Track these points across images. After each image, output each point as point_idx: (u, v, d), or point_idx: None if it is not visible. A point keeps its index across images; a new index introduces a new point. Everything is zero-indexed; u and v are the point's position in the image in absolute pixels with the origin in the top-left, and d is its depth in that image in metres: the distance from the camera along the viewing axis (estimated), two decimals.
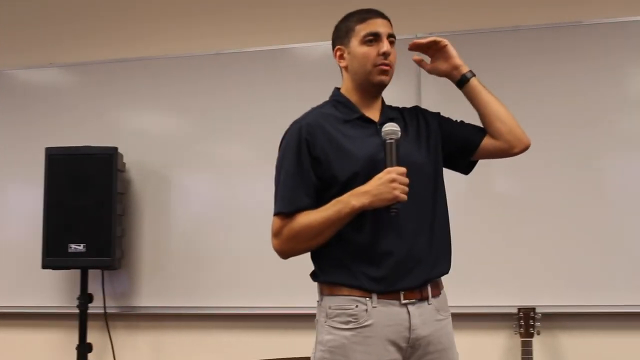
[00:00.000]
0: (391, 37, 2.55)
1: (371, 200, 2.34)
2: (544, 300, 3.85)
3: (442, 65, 2.63)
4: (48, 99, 4.64)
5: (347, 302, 2.41)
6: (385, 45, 2.50)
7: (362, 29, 2.52)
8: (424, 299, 2.44)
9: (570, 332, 3.93)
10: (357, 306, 2.40)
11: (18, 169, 4.61)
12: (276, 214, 2.47)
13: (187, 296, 4.31)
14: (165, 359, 4.41)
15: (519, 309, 3.80)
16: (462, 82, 2.61)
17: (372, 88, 2.54)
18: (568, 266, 3.88)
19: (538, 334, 3.77)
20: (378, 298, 2.40)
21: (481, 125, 2.62)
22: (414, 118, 2.61)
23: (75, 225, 4.17)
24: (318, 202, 2.43)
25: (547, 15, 4.09)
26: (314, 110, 2.59)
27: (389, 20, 2.59)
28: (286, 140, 2.53)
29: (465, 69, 2.61)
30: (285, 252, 2.49)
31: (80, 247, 4.15)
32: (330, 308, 2.44)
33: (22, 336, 4.59)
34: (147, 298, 4.38)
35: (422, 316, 2.43)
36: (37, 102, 4.65)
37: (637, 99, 3.93)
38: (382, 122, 2.48)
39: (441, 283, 2.55)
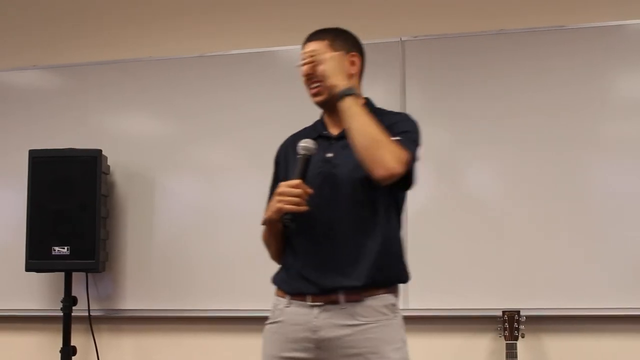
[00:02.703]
0: (313, 56, 2.57)
1: (268, 214, 2.53)
2: (528, 303, 3.86)
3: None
4: (31, 101, 4.62)
5: (274, 301, 2.60)
6: (302, 70, 2.60)
7: None
8: (333, 302, 2.46)
9: (554, 334, 3.94)
10: (275, 305, 2.58)
11: (1, 171, 4.59)
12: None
13: (172, 299, 4.30)
14: None
15: (504, 312, 3.81)
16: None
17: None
18: (553, 269, 3.89)
19: (522, 336, 3.78)
20: (291, 299, 2.52)
21: None
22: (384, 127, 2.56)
23: (59, 228, 4.15)
24: None
25: (531, 19, 4.11)
26: (302, 129, 2.73)
27: (316, 38, 2.62)
28: None
29: (338, 89, 2.47)
30: (271, 256, 2.70)
31: (64, 250, 4.13)
32: None
33: (6, 339, 4.56)
34: (132, 301, 4.36)
35: (329, 319, 2.46)
36: (20, 104, 4.62)
37: (620, 102, 3.95)
38: (341, 137, 2.56)
39: (367, 290, 2.48)
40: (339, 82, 2.48)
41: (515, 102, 4.02)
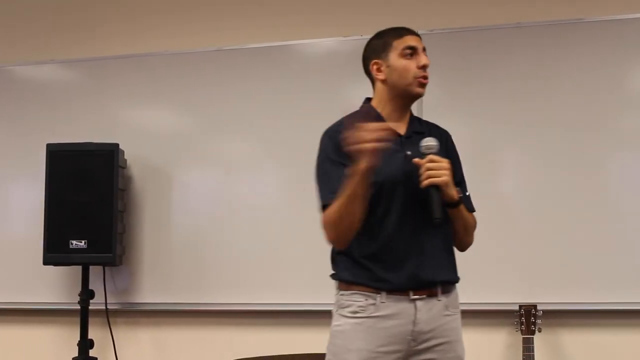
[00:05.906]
0: (425, 51, 2.67)
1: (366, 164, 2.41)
2: (545, 298, 3.85)
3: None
4: (49, 95, 4.63)
5: (358, 297, 2.56)
6: (424, 59, 2.63)
7: (401, 44, 2.64)
8: (432, 295, 2.56)
9: (571, 329, 3.93)
10: (366, 300, 2.54)
11: (19, 165, 4.61)
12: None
13: (188, 292, 4.31)
14: (166, 355, 4.41)
15: (521, 306, 3.80)
16: (452, 206, 2.61)
17: (408, 100, 2.68)
18: (570, 263, 3.87)
19: (539, 331, 3.77)
20: (387, 294, 2.53)
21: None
22: (440, 139, 2.64)
23: (77, 222, 4.17)
24: None
25: (549, 12, 4.09)
26: (351, 115, 2.65)
27: (420, 37, 2.70)
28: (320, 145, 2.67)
29: (455, 198, 2.59)
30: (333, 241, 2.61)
31: (82, 244, 4.15)
32: (343, 300, 2.59)
33: (24, 332, 4.59)
34: (148, 294, 4.38)
35: (429, 312, 2.55)
36: (38, 98, 4.64)
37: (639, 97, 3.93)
38: (408, 136, 2.64)
39: (452, 285, 2.68)
40: (454, 193, 2.57)
41: (533, 96, 4.00)
